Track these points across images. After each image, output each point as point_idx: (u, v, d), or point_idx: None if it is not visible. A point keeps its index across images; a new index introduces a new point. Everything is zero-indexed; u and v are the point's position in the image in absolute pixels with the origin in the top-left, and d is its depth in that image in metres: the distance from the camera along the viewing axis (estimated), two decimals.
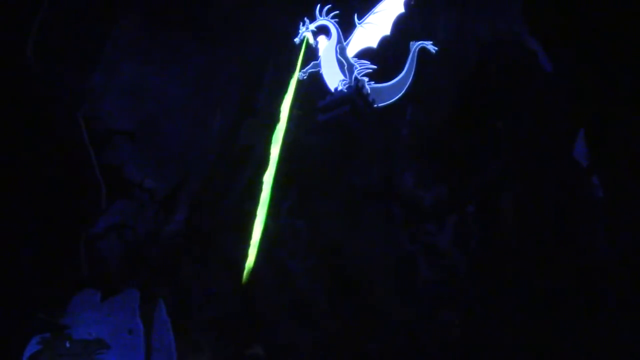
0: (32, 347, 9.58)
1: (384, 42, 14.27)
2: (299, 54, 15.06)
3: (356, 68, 14.57)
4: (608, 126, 9.47)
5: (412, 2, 14.02)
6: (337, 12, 14.65)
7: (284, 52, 15.31)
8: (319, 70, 14.92)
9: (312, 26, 14.79)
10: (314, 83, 14.89)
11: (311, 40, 14.86)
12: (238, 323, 12.69)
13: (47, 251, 9.26)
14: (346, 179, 13.96)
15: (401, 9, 14.17)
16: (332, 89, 14.65)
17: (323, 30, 14.80)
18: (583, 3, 9.40)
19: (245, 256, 13.62)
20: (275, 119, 15.06)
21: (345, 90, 14.50)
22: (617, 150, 9.30)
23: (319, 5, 14.73)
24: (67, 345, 10.09)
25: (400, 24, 14.06)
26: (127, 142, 13.96)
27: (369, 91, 14.45)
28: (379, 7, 14.45)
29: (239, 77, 15.13)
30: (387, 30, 14.28)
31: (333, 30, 14.72)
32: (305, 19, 14.78)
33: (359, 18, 14.62)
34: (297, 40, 14.87)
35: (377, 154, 14.13)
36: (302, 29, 14.82)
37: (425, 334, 12.04)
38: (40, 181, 9.21)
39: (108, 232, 13.07)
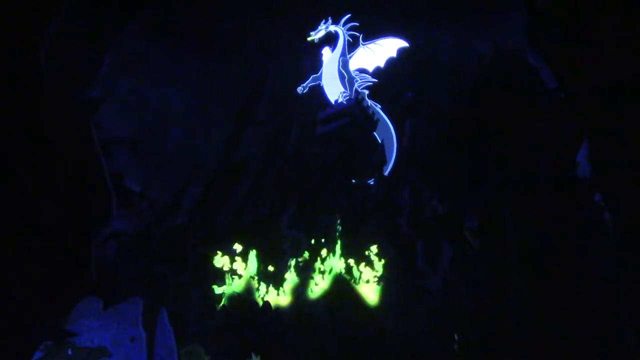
0: (35, 355, 9.49)
1: (377, 71, 15.00)
2: (300, 66, 15.28)
3: (357, 81, 14.85)
4: (611, 141, 9.58)
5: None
6: (356, 24, 15.08)
7: (285, 64, 15.44)
8: (319, 83, 15.16)
9: (332, 27, 15.06)
10: (315, 95, 15.09)
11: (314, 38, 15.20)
12: (237, 333, 12.63)
13: (53, 258, 9.16)
14: (346, 190, 14.08)
15: (393, 54, 14.90)
16: (333, 101, 14.95)
17: (332, 37, 15.09)
18: (585, 19, 9.57)
19: (244, 265, 13.70)
20: (276, 130, 15.25)
21: (345, 103, 14.76)
22: (620, 165, 9.41)
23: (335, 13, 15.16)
24: (70, 352, 10.02)
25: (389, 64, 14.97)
26: (127, 152, 13.89)
27: (369, 104, 14.69)
28: (381, 41, 15.03)
29: (240, 88, 15.19)
30: (381, 62, 14.97)
31: (340, 41, 15.00)
32: (329, 17, 15.10)
33: (364, 41, 15.06)
34: (312, 33, 15.10)
35: (376, 167, 14.30)
36: (322, 25, 15.11)
37: (426, 350, 12.12)
38: (49, 189, 9.11)
39: (107, 240, 12.97)
